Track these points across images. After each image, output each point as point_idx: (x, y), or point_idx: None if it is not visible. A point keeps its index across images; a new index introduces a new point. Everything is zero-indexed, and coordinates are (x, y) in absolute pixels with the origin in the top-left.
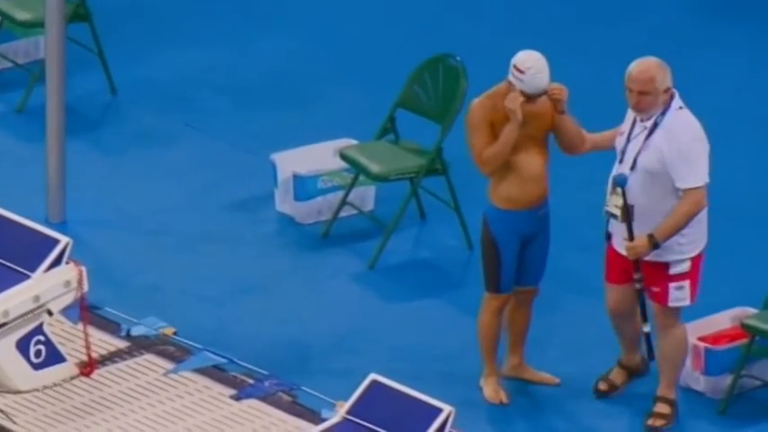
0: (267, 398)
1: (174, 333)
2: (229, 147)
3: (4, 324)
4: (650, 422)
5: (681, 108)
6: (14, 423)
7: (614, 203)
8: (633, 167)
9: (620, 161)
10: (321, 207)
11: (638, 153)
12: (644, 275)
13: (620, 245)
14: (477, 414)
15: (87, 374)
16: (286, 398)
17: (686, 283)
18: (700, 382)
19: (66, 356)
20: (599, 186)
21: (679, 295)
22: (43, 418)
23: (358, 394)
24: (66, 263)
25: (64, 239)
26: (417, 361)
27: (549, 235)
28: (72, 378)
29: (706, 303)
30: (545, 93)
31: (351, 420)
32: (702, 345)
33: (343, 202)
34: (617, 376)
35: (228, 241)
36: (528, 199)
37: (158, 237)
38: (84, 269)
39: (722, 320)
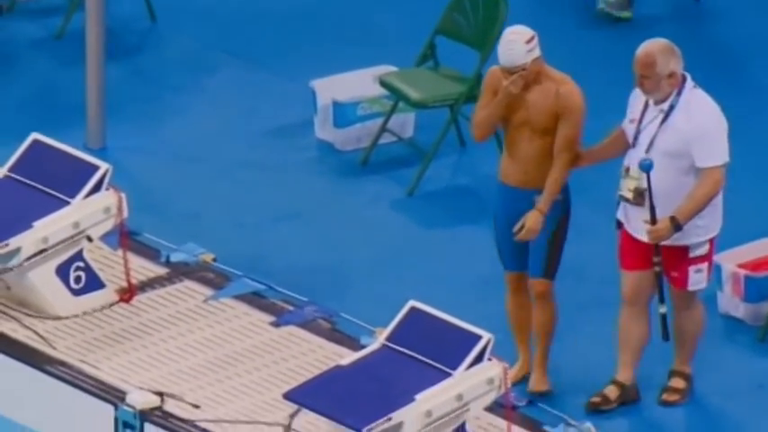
0: (306, 324)
1: (214, 260)
2: (269, 74)
3: (44, 250)
4: (665, 397)
5: (695, 87)
6: (54, 349)
7: (627, 187)
8: (648, 151)
9: (634, 146)
10: (360, 134)
11: (655, 136)
12: (663, 259)
13: (636, 230)
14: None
15: (127, 301)
16: (325, 324)
17: (705, 266)
18: (739, 309)
19: (106, 282)
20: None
21: (698, 278)
22: (83, 343)
23: (397, 321)
24: (106, 189)
25: (104, 166)
26: (456, 288)
27: (551, 228)
28: (111, 304)
29: (745, 231)
30: (522, 69)
31: (390, 347)
32: (742, 272)
33: (383, 129)
34: (611, 392)
35: (268, 168)
36: (515, 177)
37: (198, 163)
38: (123, 195)
39: (762, 247)
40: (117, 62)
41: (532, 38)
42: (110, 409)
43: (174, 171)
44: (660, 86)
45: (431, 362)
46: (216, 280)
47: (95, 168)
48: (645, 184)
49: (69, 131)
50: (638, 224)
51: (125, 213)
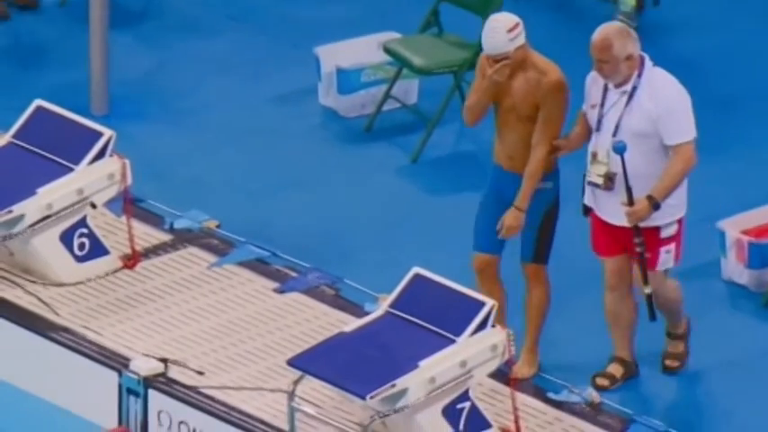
0: (310, 291)
1: (218, 226)
2: (272, 40)
3: (48, 217)
4: (668, 363)
5: (655, 66)
6: (58, 315)
7: (597, 173)
8: (615, 135)
9: (598, 131)
10: (364, 100)
11: (621, 119)
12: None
13: (608, 214)
14: (518, 307)
15: (131, 267)
16: (329, 291)
17: (673, 246)
18: (743, 276)
19: (110, 249)
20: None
21: (667, 258)
22: (86, 310)
23: (401, 288)
24: (110, 155)
25: (107, 132)
26: (460, 254)
27: (540, 214)
28: (115, 271)
29: (749, 197)
30: (505, 57)
31: (393, 314)
32: (746, 238)
33: (387, 96)
34: (616, 370)
35: (272, 135)
36: (502, 160)
37: (202, 130)
38: (127, 162)
39: (766, 214)
40: (121, 28)
41: (516, 25)
42: (114, 375)
43: (177, 138)
44: (619, 69)
45: (434, 328)
46: (220, 246)
47: (99, 135)
48: (615, 169)
49: (73, 98)
50: (609, 208)
51: (129, 180)
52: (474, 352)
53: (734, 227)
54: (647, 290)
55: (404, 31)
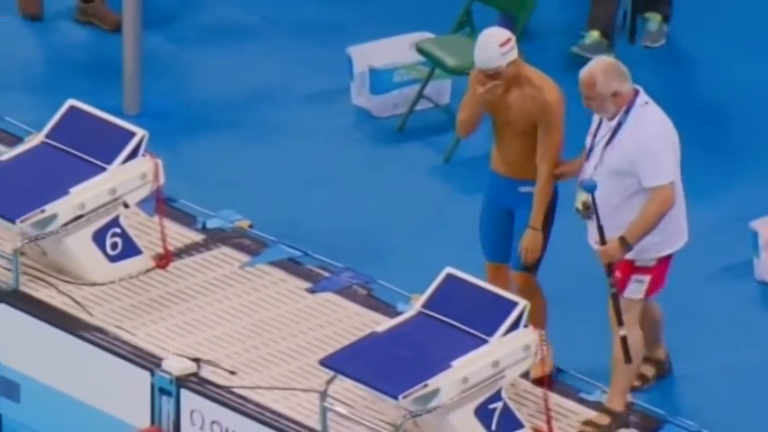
0: (342, 291)
1: (250, 226)
2: (306, 40)
3: (81, 216)
4: (583, 428)
5: (647, 104)
6: (91, 315)
7: (580, 200)
8: (597, 167)
9: (587, 159)
10: (397, 100)
11: (603, 154)
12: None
13: (592, 240)
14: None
15: (163, 267)
16: (361, 291)
17: (647, 278)
18: None
19: (142, 249)
20: None
21: (636, 288)
22: (119, 310)
23: (433, 288)
24: (143, 155)
25: (140, 132)
26: None
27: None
28: (148, 270)
29: None
30: (497, 73)
31: (426, 314)
32: None
33: (419, 96)
34: (648, 370)
35: (305, 135)
36: (499, 166)
37: (234, 130)
38: (160, 162)
39: None
40: (154, 28)
41: (508, 40)
42: (146, 375)
43: (211, 137)
44: (605, 106)
45: (467, 328)
46: (252, 246)
47: (132, 134)
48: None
49: (106, 97)
50: (593, 235)
51: (161, 180)
52: (506, 352)
53: (766, 227)
54: (622, 332)
55: (437, 31)
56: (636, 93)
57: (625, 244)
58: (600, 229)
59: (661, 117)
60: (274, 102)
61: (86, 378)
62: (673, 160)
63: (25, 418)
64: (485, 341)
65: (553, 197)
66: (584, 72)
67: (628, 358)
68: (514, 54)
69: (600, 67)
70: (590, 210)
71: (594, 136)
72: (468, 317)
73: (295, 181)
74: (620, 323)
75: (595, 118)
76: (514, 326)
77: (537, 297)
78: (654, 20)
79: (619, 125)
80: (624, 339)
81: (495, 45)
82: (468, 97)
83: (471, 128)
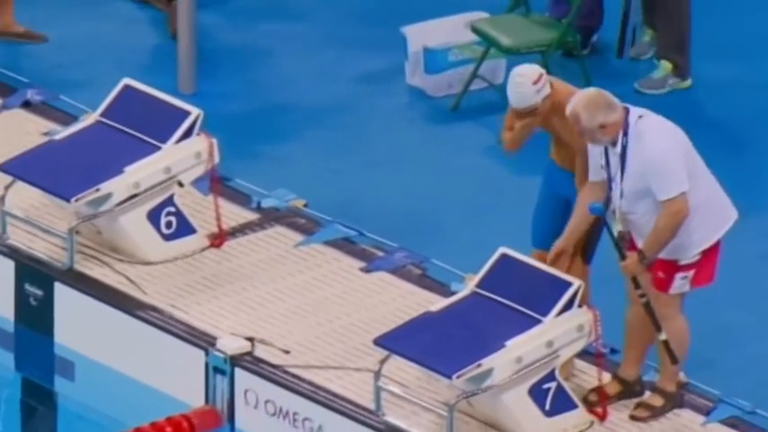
0: (397, 270)
1: (305, 205)
2: (360, 20)
3: (135, 195)
4: (635, 412)
5: (641, 117)
6: (145, 294)
7: (618, 229)
8: (622, 196)
9: (610, 189)
10: (451, 80)
11: (622, 181)
12: (651, 267)
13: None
14: (606, 287)
15: (217, 246)
16: (415, 270)
17: (691, 272)
18: None
19: (197, 228)
20: None
21: (680, 284)
22: (173, 288)
23: (487, 267)
24: (197, 134)
25: (195, 111)
26: None
27: None
28: (202, 249)
29: None
30: (534, 109)
31: (480, 294)
32: None
33: (474, 75)
34: (610, 387)
35: (359, 114)
36: (553, 155)
37: (289, 109)
38: (214, 141)
39: None
40: (209, 7)
41: (540, 76)
42: (200, 354)
43: (265, 116)
44: (595, 138)
45: (521, 308)
46: (306, 225)
47: (187, 113)
48: (625, 227)
49: (161, 77)
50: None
51: (216, 159)
52: (561, 332)
53: None
54: (662, 336)
55: (492, 10)
56: (627, 111)
57: (642, 257)
58: (618, 248)
59: (660, 126)
60: (329, 81)
61: (141, 357)
62: (682, 168)
63: (80, 397)
64: (539, 321)
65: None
66: (568, 108)
67: (674, 360)
68: (548, 89)
69: (582, 103)
70: (624, 239)
71: (608, 166)
72: (522, 297)
73: (350, 160)
74: (659, 329)
75: (595, 150)
76: (568, 306)
77: (585, 288)
78: (663, 68)
79: (623, 150)
80: (666, 343)
81: (528, 84)
82: (509, 119)
83: (517, 146)
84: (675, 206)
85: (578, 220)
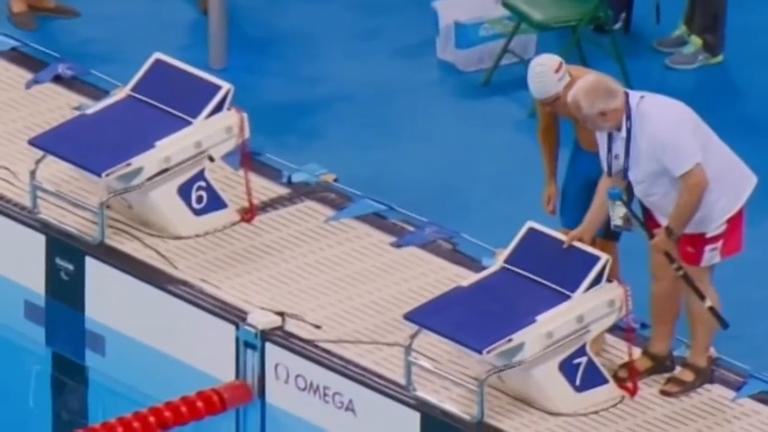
0: (427, 245)
1: (335, 180)
2: None
3: (166, 170)
4: (666, 387)
5: (642, 98)
6: (176, 268)
7: (618, 216)
8: (624, 177)
9: (609, 175)
10: (482, 55)
11: (627, 164)
12: (679, 242)
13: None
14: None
15: (248, 221)
16: (446, 245)
17: (719, 243)
18: None
19: (228, 202)
20: None
21: (712, 255)
22: (204, 263)
23: (515, 243)
24: (228, 109)
25: (226, 86)
26: None
27: None
28: (233, 224)
29: None
30: (556, 98)
31: (509, 269)
32: None
33: (505, 50)
34: (640, 362)
35: (389, 88)
36: (580, 138)
37: (320, 84)
38: (245, 115)
39: None
40: None
41: (560, 65)
42: (231, 328)
43: (296, 91)
44: (597, 125)
45: (549, 283)
46: (337, 200)
47: (217, 88)
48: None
49: (192, 51)
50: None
51: (247, 133)
52: (591, 307)
53: None
54: (707, 303)
55: None
56: (627, 96)
57: (670, 233)
58: (643, 226)
59: (662, 104)
60: (360, 56)
61: (171, 331)
62: (691, 140)
63: (110, 371)
64: (567, 296)
65: None
66: (569, 96)
67: (724, 325)
68: (567, 77)
69: (582, 91)
70: (631, 222)
71: (609, 151)
72: (552, 271)
73: (380, 135)
74: (702, 297)
75: (601, 135)
76: (596, 281)
77: (613, 264)
78: (694, 44)
79: (628, 133)
80: (712, 309)
81: (551, 73)
82: (540, 115)
83: (548, 131)
84: (693, 179)
85: (596, 210)
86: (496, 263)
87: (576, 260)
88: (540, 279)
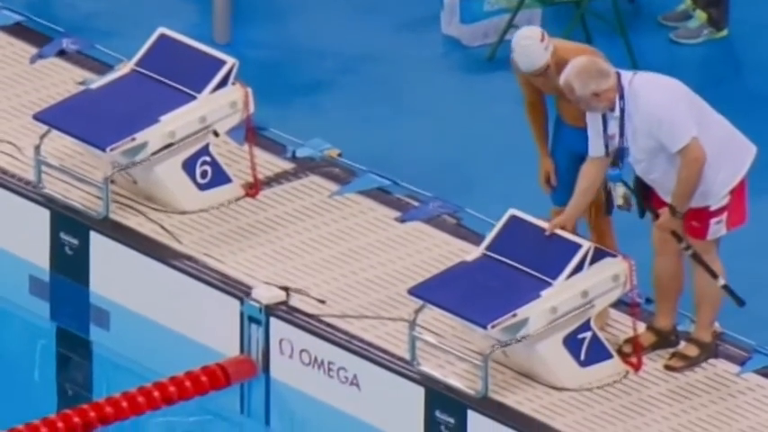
0: (431, 220)
1: (339, 155)
2: None
3: (171, 145)
4: (671, 362)
5: (634, 76)
6: (180, 243)
7: (618, 195)
8: (621, 159)
9: (606, 155)
10: (487, 29)
11: (622, 143)
12: (684, 218)
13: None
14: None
15: (252, 195)
16: (450, 220)
17: (724, 216)
18: None
19: (232, 177)
20: None
21: (717, 228)
22: (208, 238)
23: (496, 230)
24: (233, 84)
25: (230, 60)
26: None
27: None
28: (237, 199)
29: None
30: (544, 71)
31: (489, 256)
32: None
33: (510, 25)
34: (645, 337)
35: (394, 63)
36: (564, 115)
37: (325, 58)
38: (249, 90)
39: None
40: None
41: (543, 35)
42: (235, 303)
43: (300, 66)
44: (591, 105)
45: (530, 271)
46: (341, 175)
47: (222, 63)
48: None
49: (196, 26)
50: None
51: (251, 108)
52: (595, 282)
53: None
54: (721, 282)
55: None
56: (618, 76)
57: (674, 212)
58: (650, 209)
59: (654, 80)
60: (365, 31)
61: (176, 306)
62: (686, 115)
63: (115, 346)
64: (549, 284)
65: None
66: (561, 78)
67: (740, 302)
68: (551, 45)
69: (574, 72)
70: (630, 202)
71: (605, 132)
72: (533, 259)
73: (385, 110)
74: (714, 276)
75: (593, 117)
76: (578, 268)
77: (609, 240)
78: (698, 18)
79: (622, 112)
80: (726, 287)
81: (537, 44)
82: (526, 93)
83: (535, 106)
84: (691, 153)
85: (579, 198)
86: (476, 251)
87: (558, 248)
88: (521, 266)
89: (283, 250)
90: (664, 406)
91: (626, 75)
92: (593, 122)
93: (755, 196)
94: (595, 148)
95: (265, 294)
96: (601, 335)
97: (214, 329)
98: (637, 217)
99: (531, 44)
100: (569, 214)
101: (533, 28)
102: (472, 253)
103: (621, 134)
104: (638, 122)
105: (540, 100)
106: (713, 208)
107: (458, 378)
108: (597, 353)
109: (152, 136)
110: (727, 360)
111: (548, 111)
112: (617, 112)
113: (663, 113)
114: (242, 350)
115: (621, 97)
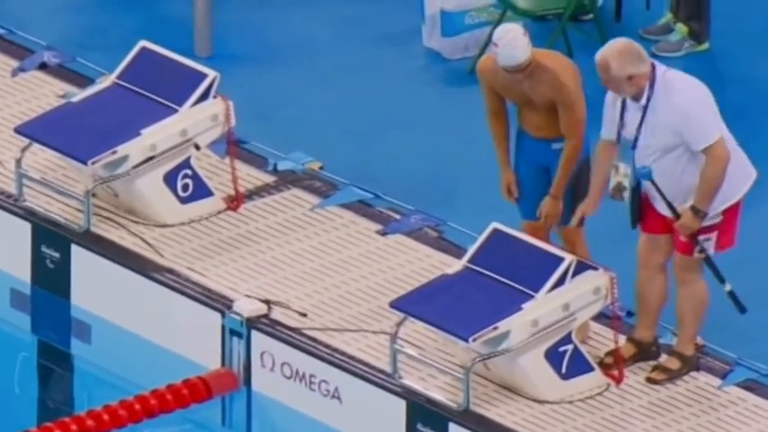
0: (413, 233)
1: (321, 168)
2: None
3: (152, 158)
4: (653, 375)
5: (667, 71)
6: (161, 256)
7: (614, 180)
8: (634, 147)
9: (618, 143)
10: (468, 42)
11: (638, 132)
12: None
13: (660, 208)
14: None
15: (234, 209)
16: (432, 233)
17: (714, 235)
18: None
19: (213, 190)
20: None
21: (705, 246)
22: (190, 251)
23: (479, 243)
24: (214, 97)
25: (211, 73)
26: None
27: (571, 181)
28: (219, 212)
29: None
30: (526, 67)
31: (472, 269)
32: None
33: (490, 38)
34: (626, 349)
35: (375, 76)
36: (526, 126)
37: (306, 71)
38: (231, 103)
39: None
40: None
41: (525, 31)
42: (217, 316)
43: (281, 79)
44: (621, 88)
45: (513, 284)
46: (323, 188)
47: (203, 76)
48: (628, 184)
49: (177, 40)
50: (658, 203)
51: (232, 121)
52: (576, 295)
53: None
54: (727, 287)
55: None
56: (653, 66)
57: (696, 212)
58: (669, 206)
59: (686, 78)
60: (345, 43)
61: (157, 319)
62: (713, 114)
63: (96, 359)
64: (531, 297)
65: (585, 153)
66: (598, 56)
67: (742, 310)
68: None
69: (613, 52)
70: (621, 192)
71: (621, 119)
72: (515, 272)
73: (366, 123)
74: (722, 281)
75: (613, 101)
76: (560, 281)
77: (582, 250)
78: (680, 31)
79: (648, 101)
80: (731, 294)
81: (521, 37)
82: (489, 101)
83: (498, 116)
84: (716, 151)
85: (601, 183)
86: (458, 264)
87: (540, 261)
88: (503, 279)
89: (265, 263)
90: (645, 419)
91: (660, 67)
92: (611, 107)
93: (742, 211)
94: (608, 131)
95: (247, 307)
96: (582, 348)
97: (195, 342)
98: (618, 226)
99: (516, 37)
100: (589, 203)
101: (513, 24)
102: (454, 266)
103: (641, 124)
104: (663, 116)
105: (503, 109)
106: (704, 224)
107: (439, 391)
108: (578, 365)
109: (133, 149)
110: (709, 373)
111: (509, 120)
112: (643, 101)
113: (693, 109)
114: (223, 363)
115: (651, 86)
